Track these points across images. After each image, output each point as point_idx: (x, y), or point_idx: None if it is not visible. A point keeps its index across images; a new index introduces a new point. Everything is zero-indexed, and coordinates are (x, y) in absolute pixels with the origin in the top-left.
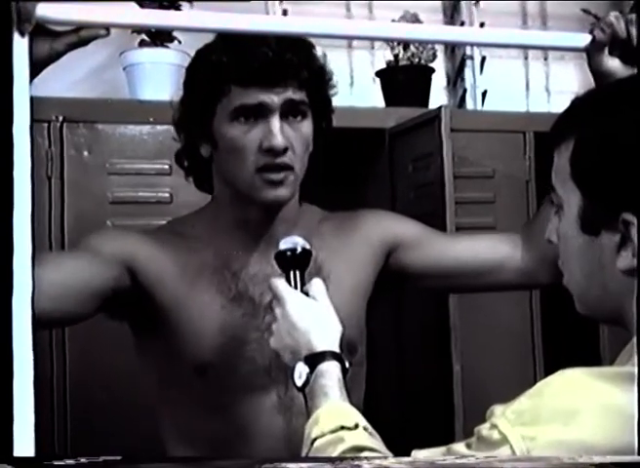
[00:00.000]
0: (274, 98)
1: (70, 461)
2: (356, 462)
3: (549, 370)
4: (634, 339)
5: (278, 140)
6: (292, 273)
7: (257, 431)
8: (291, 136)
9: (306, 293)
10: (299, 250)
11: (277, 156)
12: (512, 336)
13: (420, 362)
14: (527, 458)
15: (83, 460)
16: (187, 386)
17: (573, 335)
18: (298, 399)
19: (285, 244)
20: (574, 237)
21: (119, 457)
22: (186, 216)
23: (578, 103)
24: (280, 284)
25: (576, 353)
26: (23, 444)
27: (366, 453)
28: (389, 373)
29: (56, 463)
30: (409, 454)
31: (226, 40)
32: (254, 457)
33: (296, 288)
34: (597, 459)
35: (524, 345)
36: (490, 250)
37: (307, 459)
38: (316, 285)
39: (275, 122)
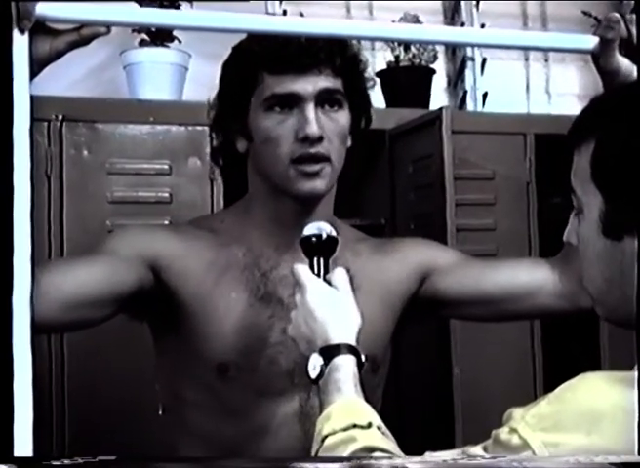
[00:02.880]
0: (308, 87)
1: (67, 461)
2: (371, 461)
3: (548, 373)
4: None
5: (313, 129)
6: (315, 260)
7: (275, 437)
8: (326, 126)
9: (329, 282)
10: (324, 236)
11: (312, 145)
12: (512, 339)
13: (420, 364)
14: (543, 459)
15: (80, 460)
16: (208, 386)
17: (572, 339)
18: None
19: (310, 229)
20: (594, 240)
21: (114, 457)
22: (216, 213)
23: (598, 103)
24: (302, 270)
25: (575, 356)
26: (21, 444)
27: (377, 454)
28: (388, 376)
29: (53, 463)
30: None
31: None
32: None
33: (318, 275)
34: (612, 459)
35: (523, 348)
36: (528, 273)
37: (324, 459)
38: (339, 274)
39: (310, 110)
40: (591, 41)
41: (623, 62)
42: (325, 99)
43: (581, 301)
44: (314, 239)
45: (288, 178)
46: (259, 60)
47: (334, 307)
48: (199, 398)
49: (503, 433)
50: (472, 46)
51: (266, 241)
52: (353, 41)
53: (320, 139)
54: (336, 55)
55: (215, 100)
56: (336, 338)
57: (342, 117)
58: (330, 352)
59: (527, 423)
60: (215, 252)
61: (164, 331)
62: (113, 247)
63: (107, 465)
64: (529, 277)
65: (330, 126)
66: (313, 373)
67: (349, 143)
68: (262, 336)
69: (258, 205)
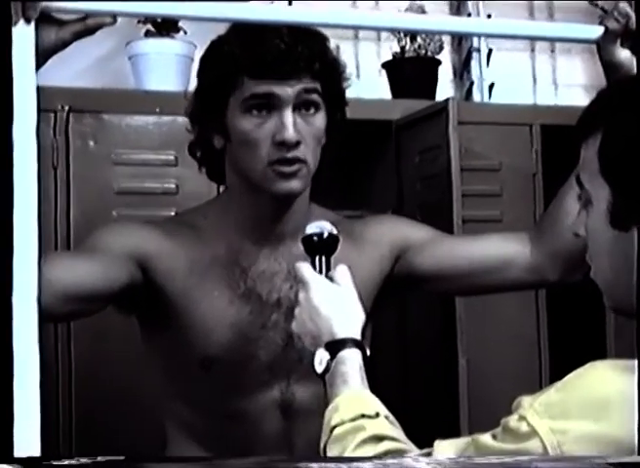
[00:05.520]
0: (287, 91)
1: (72, 461)
2: (388, 461)
3: (555, 363)
4: None
5: (290, 134)
6: (317, 258)
7: (258, 426)
8: (303, 130)
9: (332, 279)
10: (325, 234)
11: (290, 150)
12: (518, 330)
13: (426, 355)
14: (555, 458)
15: (84, 460)
16: (192, 380)
17: (578, 329)
18: (298, 394)
19: (312, 228)
20: (603, 231)
21: (121, 457)
22: (199, 207)
23: (604, 96)
24: (305, 268)
25: (581, 346)
26: (29, 444)
27: (386, 443)
28: (395, 366)
29: (55, 463)
30: (418, 446)
31: (239, 31)
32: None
33: (320, 273)
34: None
35: (530, 339)
36: (499, 247)
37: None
38: (341, 271)
39: (288, 115)
40: (597, 31)
41: (626, 56)
42: (302, 103)
43: (549, 275)
44: (315, 238)
45: (265, 179)
46: (239, 64)
47: (338, 303)
48: (183, 389)
49: (512, 420)
50: (478, 36)
51: (245, 237)
52: (332, 45)
53: (297, 144)
54: (315, 60)
55: (192, 95)
56: (341, 333)
57: (319, 119)
58: (336, 346)
59: (535, 410)
60: (198, 250)
61: (151, 326)
62: (107, 243)
63: (111, 465)
64: (501, 251)
65: (306, 129)
66: (319, 368)
67: (324, 141)
68: (243, 332)
69: (236, 201)
